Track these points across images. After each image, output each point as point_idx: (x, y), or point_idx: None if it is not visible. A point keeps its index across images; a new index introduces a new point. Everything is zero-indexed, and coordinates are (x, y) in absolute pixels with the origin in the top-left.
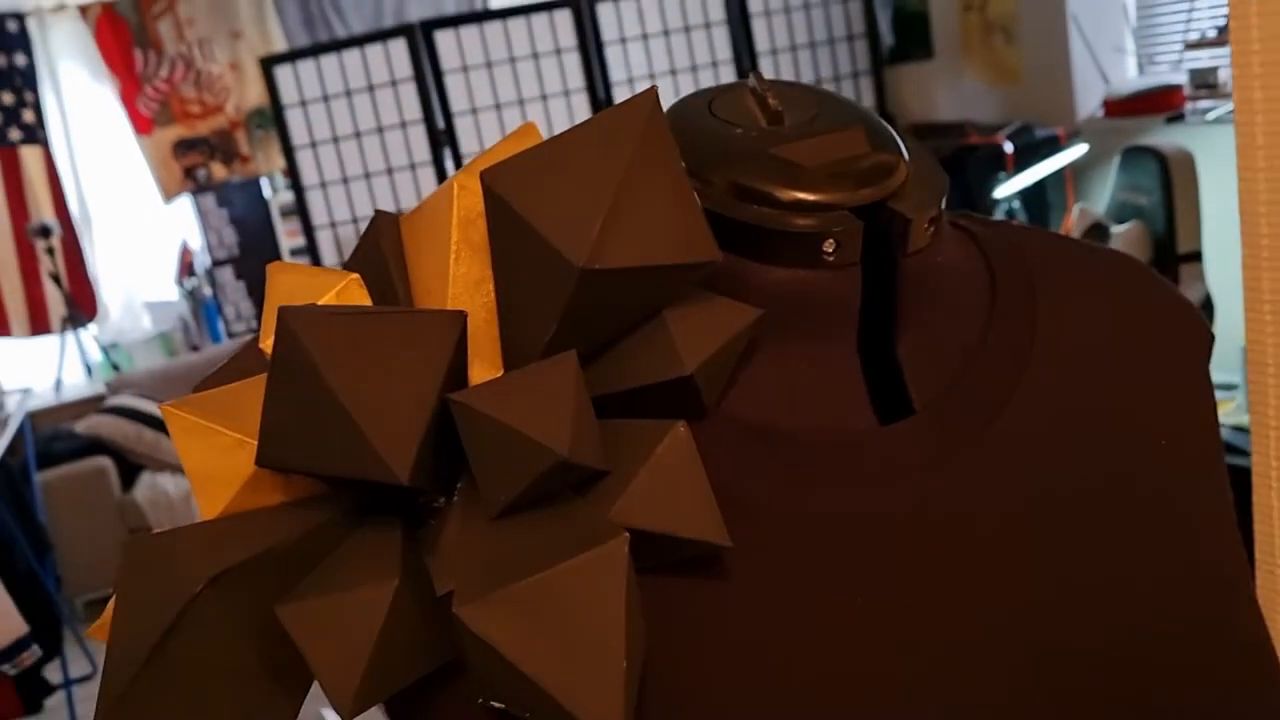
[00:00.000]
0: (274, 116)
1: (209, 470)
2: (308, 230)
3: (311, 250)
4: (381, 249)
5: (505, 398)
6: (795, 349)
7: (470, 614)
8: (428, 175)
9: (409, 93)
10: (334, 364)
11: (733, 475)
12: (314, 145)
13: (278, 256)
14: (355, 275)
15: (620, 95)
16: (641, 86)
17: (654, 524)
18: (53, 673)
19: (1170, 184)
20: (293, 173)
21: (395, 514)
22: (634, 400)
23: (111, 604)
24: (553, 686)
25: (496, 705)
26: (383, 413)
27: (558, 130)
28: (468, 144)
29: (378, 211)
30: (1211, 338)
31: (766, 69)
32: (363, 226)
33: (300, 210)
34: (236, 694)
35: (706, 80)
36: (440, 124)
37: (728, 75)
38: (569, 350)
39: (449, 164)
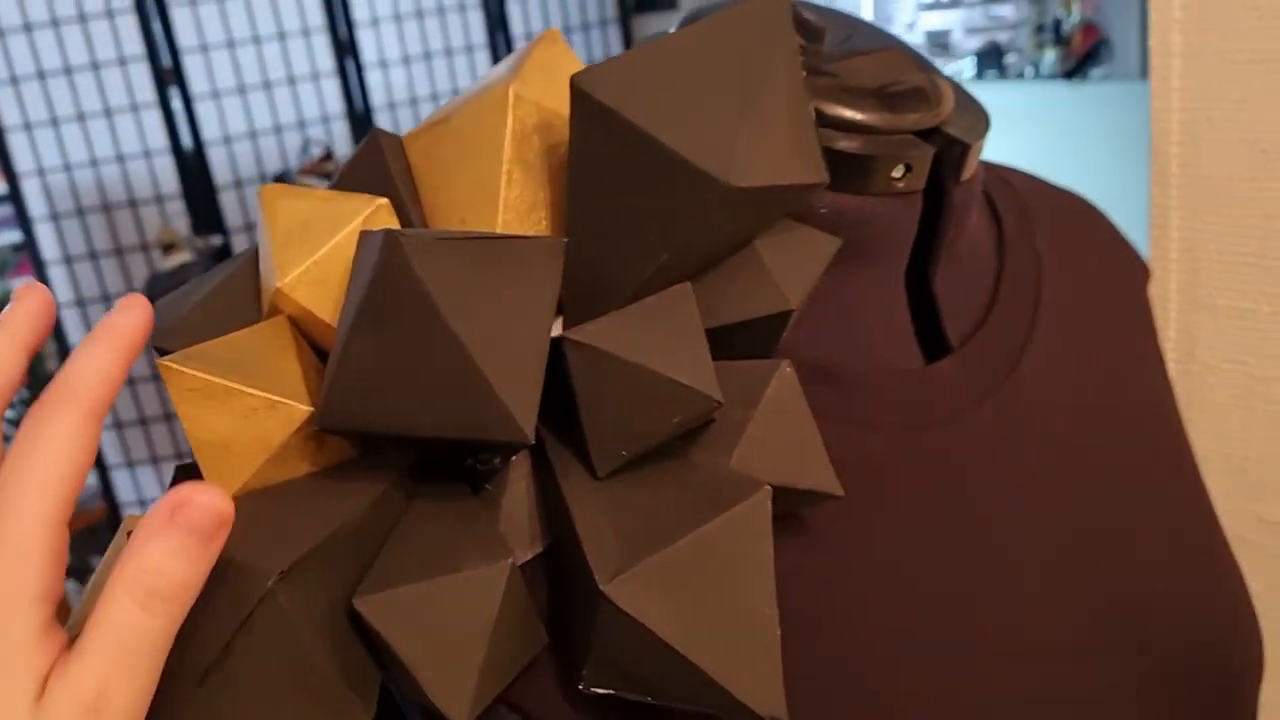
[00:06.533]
0: None
1: (227, 439)
2: (10, 178)
3: (15, 198)
4: (388, 170)
5: (631, 336)
6: (851, 281)
7: (619, 590)
8: (153, 117)
9: (129, 25)
10: (453, 301)
11: None
12: (15, 82)
13: None
14: (384, 200)
15: (363, 37)
16: (387, 27)
17: (772, 475)
18: None
19: None
20: None
21: (451, 477)
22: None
23: None
24: (709, 665)
25: (600, 691)
26: (504, 359)
27: (274, 74)
28: (198, 84)
29: (375, 129)
30: (1148, 273)
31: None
32: (78, 174)
33: (1, 155)
34: (307, 704)
35: (457, 21)
36: (167, 62)
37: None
38: (680, 284)
39: (176, 103)
